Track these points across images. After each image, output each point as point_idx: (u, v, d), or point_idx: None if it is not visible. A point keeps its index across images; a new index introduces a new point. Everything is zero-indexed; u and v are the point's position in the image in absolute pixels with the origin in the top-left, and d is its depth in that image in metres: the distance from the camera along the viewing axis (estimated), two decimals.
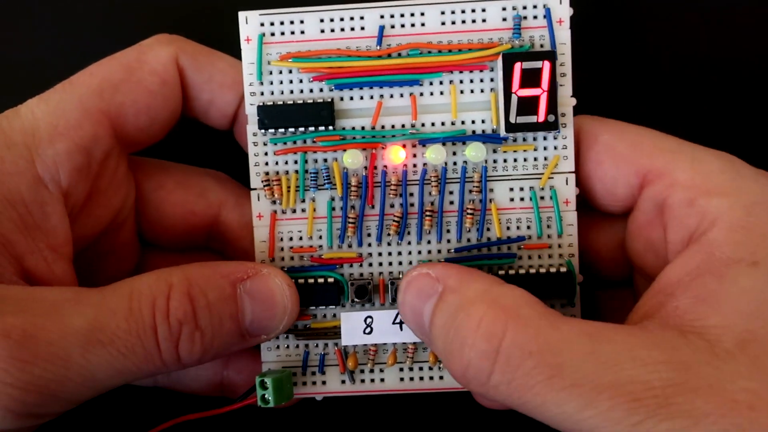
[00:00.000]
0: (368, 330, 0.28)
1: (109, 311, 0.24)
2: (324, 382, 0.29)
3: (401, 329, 0.28)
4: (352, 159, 0.28)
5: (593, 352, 0.22)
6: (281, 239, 0.29)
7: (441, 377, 0.29)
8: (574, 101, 0.28)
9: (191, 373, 0.31)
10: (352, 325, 0.28)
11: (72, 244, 0.28)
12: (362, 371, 0.29)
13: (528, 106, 0.27)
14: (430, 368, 0.29)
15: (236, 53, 0.29)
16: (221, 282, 0.26)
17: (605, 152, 0.27)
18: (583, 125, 0.28)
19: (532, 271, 0.28)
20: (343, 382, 0.29)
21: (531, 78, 0.27)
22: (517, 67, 0.27)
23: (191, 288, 0.25)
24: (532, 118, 0.27)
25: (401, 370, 0.29)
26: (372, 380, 0.29)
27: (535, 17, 0.28)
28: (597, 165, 0.28)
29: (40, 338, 0.23)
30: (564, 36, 0.28)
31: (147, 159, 0.31)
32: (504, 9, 0.28)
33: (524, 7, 0.28)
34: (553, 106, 0.27)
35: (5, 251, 0.26)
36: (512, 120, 0.27)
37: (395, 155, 0.28)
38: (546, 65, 0.27)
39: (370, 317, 0.28)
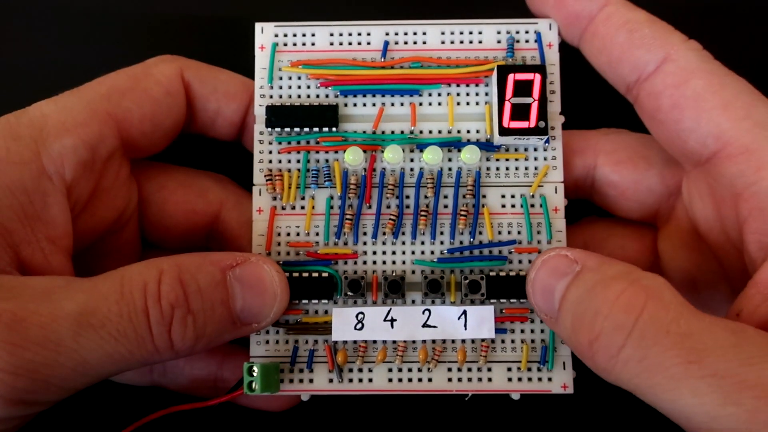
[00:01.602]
0: (359, 326, 0.29)
1: (100, 295, 0.25)
2: (311, 380, 0.29)
3: (392, 326, 0.29)
4: (353, 156, 0.29)
5: (737, 346, 0.20)
6: (279, 234, 0.30)
7: (430, 379, 0.29)
8: (562, 119, 0.30)
9: (186, 372, 0.31)
10: (343, 321, 0.29)
11: (72, 237, 0.28)
12: (351, 370, 0.29)
13: (520, 113, 0.29)
14: (419, 369, 0.29)
15: (244, 63, 0.31)
16: (211, 268, 0.26)
17: (692, 99, 0.26)
18: (680, 61, 0.26)
19: (523, 273, 0.29)
20: (331, 380, 0.29)
21: (523, 88, 0.29)
22: (511, 78, 0.29)
23: (182, 273, 0.26)
24: (524, 124, 0.29)
25: (390, 370, 0.29)
26: (360, 380, 0.29)
27: (527, 41, 0.30)
28: (675, 108, 0.26)
29: (31, 322, 0.23)
30: (553, 57, 0.30)
31: (149, 162, 0.32)
32: (499, 32, 0.30)
33: (517, 32, 0.30)
34: (543, 114, 0.29)
35: (2, 239, 0.26)
36: (505, 125, 0.29)
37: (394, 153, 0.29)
38: (537, 77, 0.29)
39: (362, 313, 0.29)
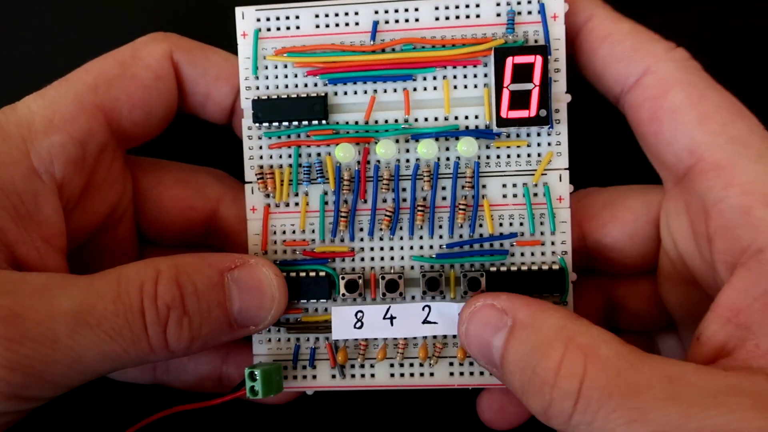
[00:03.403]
0: (359, 324, 0.28)
1: (97, 294, 0.25)
2: (314, 377, 0.29)
3: (392, 324, 0.28)
4: (344, 153, 0.28)
5: (676, 397, 0.21)
6: (274, 232, 0.29)
7: (432, 374, 0.29)
8: (569, 97, 0.28)
9: (191, 369, 0.31)
10: (342, 320, 0.28)
11: (66, 236, 0.28)
12: (353, 366, 0.29)
13: (519, 100, 0.27)
14: (421, 365, 0.29)
15: (231, 50, 0.29)
16: (209, 270, 0.26)
17: (669, 112, 0.26)
18: (659, 73, 0.26)
19: (524, 268, 0.28)
20: (334, 376, 0.29)
21: (523, 73, 0.27)
22: (509, 61, 0.27)
23: (179, 275, 0.26)
24: (524, 113, 0.27)
25: (392, 365, 0.29)
26: (362, 375, 0.29)
27: (529, 12, 0.28)
28: (654, 121, 0.26)
29: (28, 318, 0.24)
30: (558, 31, 0.28)
31: (145, 158, 0.32)
32: (498, 4, 0.28)
33: (518, 2, 0.28)
34: (544, 101, 0.27)
35: None
36: (503, 114, 0.27)
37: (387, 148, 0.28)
38: (538, 60, 0.27)
39: (361, 312, 0.28)
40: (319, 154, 0.29)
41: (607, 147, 0.31)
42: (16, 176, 0.26)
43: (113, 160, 0.29)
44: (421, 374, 0.29)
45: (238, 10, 0.29)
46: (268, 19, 0.29)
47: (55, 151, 0.27)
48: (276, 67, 0.29)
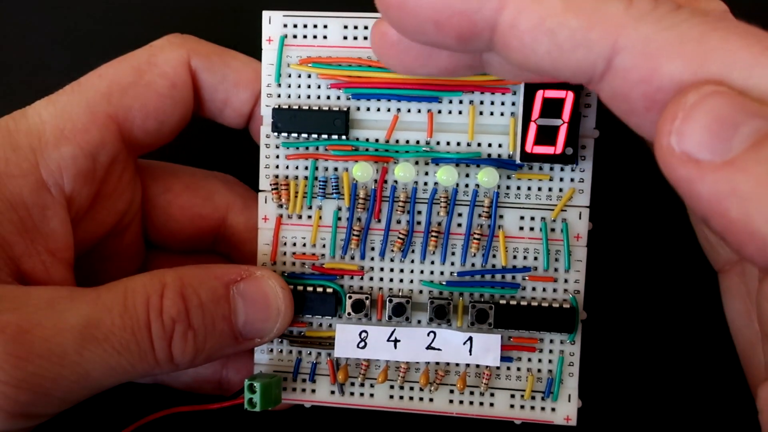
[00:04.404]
0: (362, 344, 0.28)
1: (104, 308, 0.24)
2: (314, 391, 0.29)
3: (395, 347, 0.28)
4: (362, 172, 0.27)
5: None
6: (284, 244, 0.29)
7: (431, 399, 0.29)
8: (596, 133, 0.27)
9: (190, 371, 0.31)
10: (346, 338, 0.28)
11: (73, 249, 0.28)
12: (352, 384, 0.29)
13: (546, 136, 0.26)
14: (421, 389, 0.29)
15: (251, 54, 0.29)
16: (214, 283, 0.26)
17: (672, 90, 0.17)
18: (636, 46, 0.17)
19: (534, 303, 0.27)
20: (333, 392, 0.29)
21: (552, 108, 0.26)
22: (539, 94, 0.26)
23: (184, 288, 0.25)
24: (549, 149, 0.26)
25: (391, 387, 0.29)
26: (361, 394, 0.29)
27: None
28: (654, 107, 0.18)
29: (36, 334, 0.23)
30: None
31: (154, 162, 0.31)
32: None
33: None
34: (572, 138, 0.26)
35: (2, 252, 0.26)
36: (528, 149, 0.26)
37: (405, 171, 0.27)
38: (569, 96, 0.26)
39: (365, 332, 0.28)
40: (336, 169, 0.28)
41: (630, 185, 0.30)
42: (24, 189, 0.26)
43: (124, 169, 0.29)
44: (421, 398, 0.29)
45: (265, 14, 0.28)
46: (295, 26, 0.28)
47: (65, 163, 0.26)
48: (299, 77, 0.28)
